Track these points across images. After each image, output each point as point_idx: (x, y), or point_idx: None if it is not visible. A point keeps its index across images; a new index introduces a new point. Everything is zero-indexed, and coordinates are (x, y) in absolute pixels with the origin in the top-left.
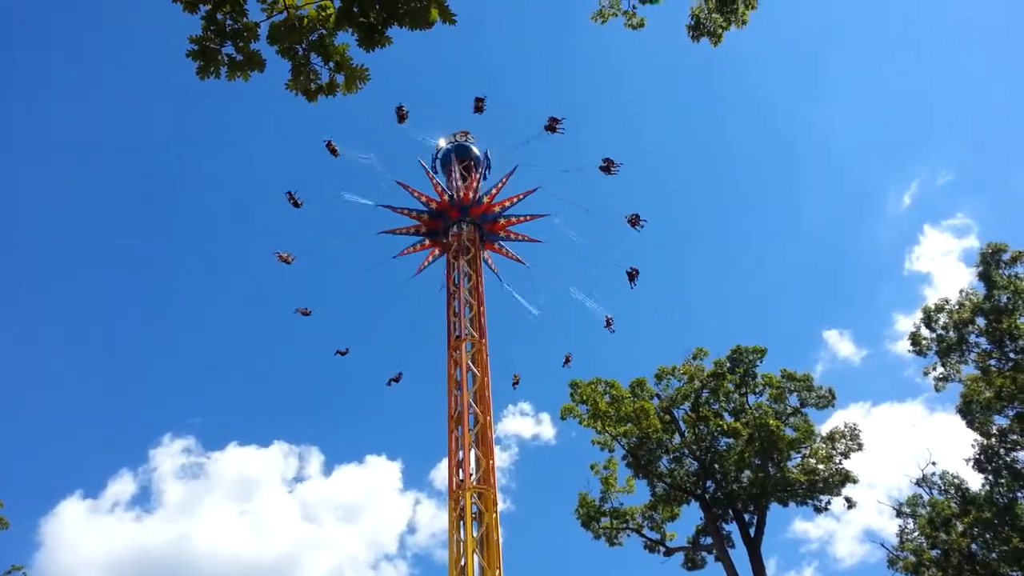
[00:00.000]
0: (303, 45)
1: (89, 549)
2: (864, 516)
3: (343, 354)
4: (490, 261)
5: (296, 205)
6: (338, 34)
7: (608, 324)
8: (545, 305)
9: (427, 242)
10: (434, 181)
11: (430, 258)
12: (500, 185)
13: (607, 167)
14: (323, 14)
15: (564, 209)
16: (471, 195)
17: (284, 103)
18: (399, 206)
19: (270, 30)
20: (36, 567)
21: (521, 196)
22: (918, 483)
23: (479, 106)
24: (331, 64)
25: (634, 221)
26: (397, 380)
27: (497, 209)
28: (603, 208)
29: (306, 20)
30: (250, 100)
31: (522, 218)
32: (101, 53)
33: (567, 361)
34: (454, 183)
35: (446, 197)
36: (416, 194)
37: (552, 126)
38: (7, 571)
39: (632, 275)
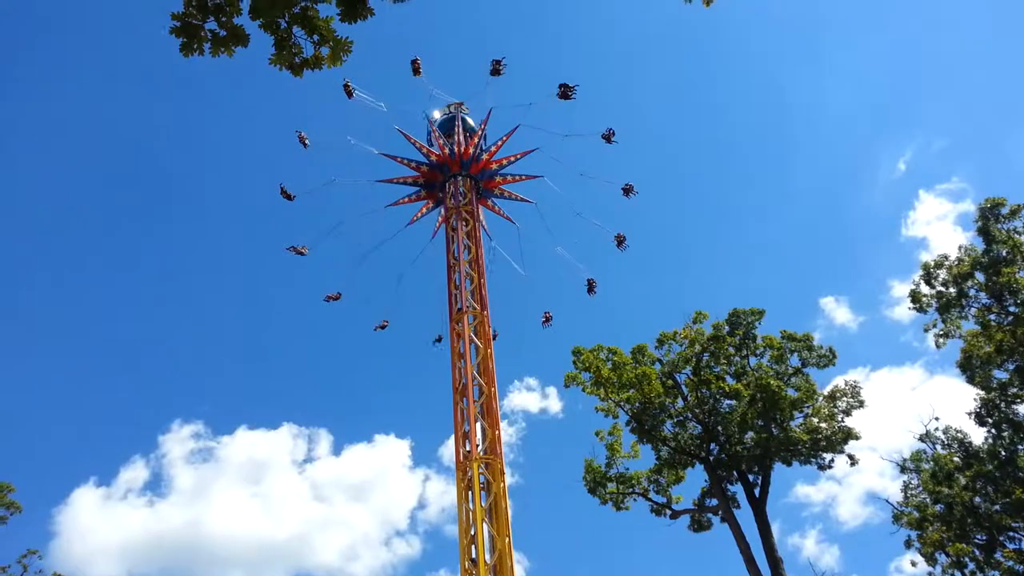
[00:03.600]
0: (285, 18)
1: (104, 536)
2: (865, 479)
3: (335, 299)
4: (482, 218)
5: (288, 198)
6: (320, 6)
7: (590, 288)
8: (538, 270)
9: (422, 193)
10: (436, 134)
11: (423, 210)
12: (500, 143)
13: (608, 136)
14: None
15: (561, 174)
16: (471, 151)
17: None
18: (402, 156)
19: (252, 3)
20: (51, 556)
21: (519, 155)
22: (921, 438)
23: (496, 68)
24: (315, 37)
25: (628, 190)
26: (383, 327)
27: (495, 166)
28: (600, 176)
29: None
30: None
31: (517, 177)
32: (93, 40)
33: (547, 320)
34: (456, 139)
35: (447, 151)
36: (417, 144)
37: (565, 93)
38: (23, 555)
39: (590, 286)
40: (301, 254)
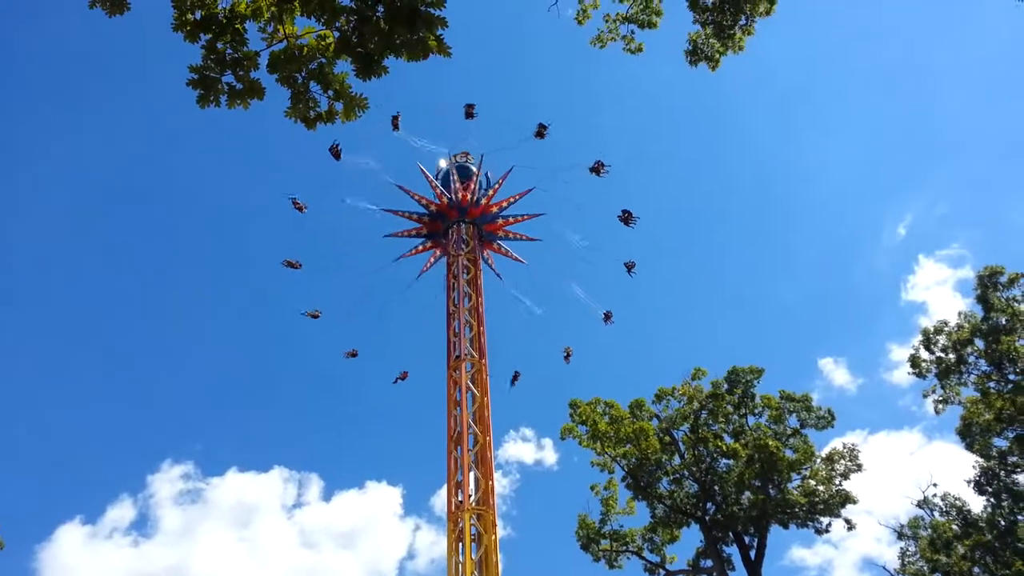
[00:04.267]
0: (303, 73)
1: (86, 575)
2: (862, 544)
3: (353, 355)
4: (491, 261)
5: (300, 210)
6: (337, 63)
7: (607, 319)
8: (544, 311)
9: (428, 243)
10: (433, 184)
11: (432, 260)
12: (497, 186)
13: (597, 169)
14: (322, 43)
15: (560, 211)
16: (468, 196)
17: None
18: (403, 210)
19: (270, 59)
20: None
21: (517, 196)
22: (919, 505)
23: (470, 112)
24: (330, 92)
25: (626, 218)
26: (403, 378)
27: (495, 210)
28: (598, 214)
29: (306, 49)
30: (245, 114)
31: (519, 217)
32: (109, 72)
33: (567, 356)
34: (452, 188)
35: (445, 200)
36: (416, 197)
37: (540, 132)
38: None
39: (626, 218)
40: (295, 267)
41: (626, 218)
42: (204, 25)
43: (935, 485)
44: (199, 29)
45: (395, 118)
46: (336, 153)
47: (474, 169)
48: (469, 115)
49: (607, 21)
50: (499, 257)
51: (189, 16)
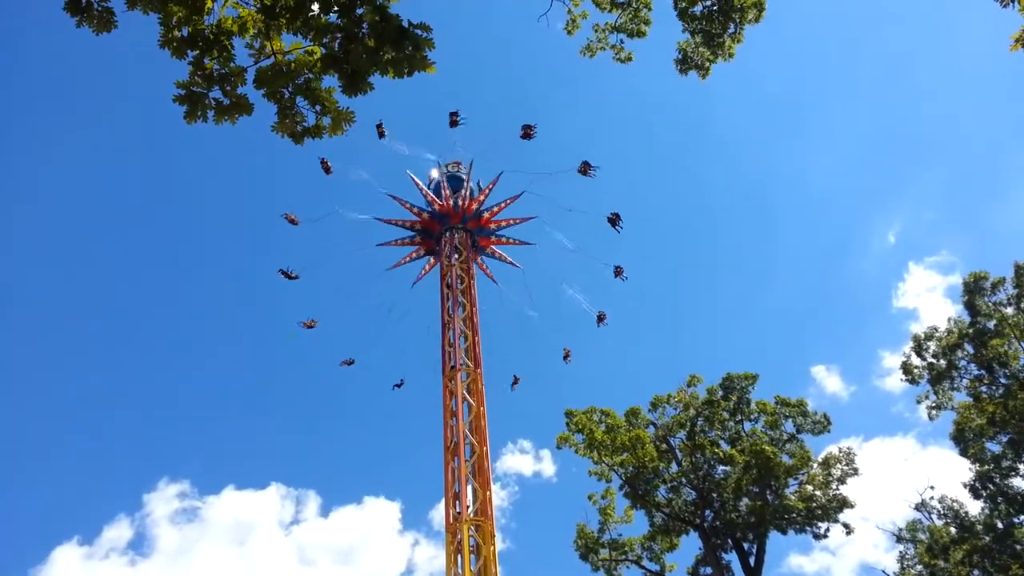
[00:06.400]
0: (289, 88)
1: None
2: (859, 550)
3: (349, 364)
4: (484, 267)
5: (293, 223)
6: (323, 78)
7: (600, 320)
8: (539, 315)
9: (421, 251)
10: (424, 191)
11: (427, 268)
12: (487, 190)
13: (584, 170)
14: (309, 59)
15: (551, 214)
16: (461, 203)
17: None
18: (395, 218)
19: (257, 74)
20: None
21: (509, 202)
22: (917, 508)
23: (454, 120)
24: (317, 107)
25: (614, 220)
26: (400, 385)
27: (487, 216)
28: (588, 216)
29: (293, 65)
30: (234, 127)
31: (512, 220)
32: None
33: (567, 356)
34: (443, 196)
35: (437, 207)
36: (407, 206)
37: (527, 133)
38: None
39: (600, 318)
40: (291, 278)
41: (614, 220)
42: (191, 41)
43: (932, 488)
44: (186, 45)
45: (379, 126)
46: (326, 168)
47: (466, 179)
48: (453, 123)
49: (596, 31)
50: (493, 262)
51: (176, 33)
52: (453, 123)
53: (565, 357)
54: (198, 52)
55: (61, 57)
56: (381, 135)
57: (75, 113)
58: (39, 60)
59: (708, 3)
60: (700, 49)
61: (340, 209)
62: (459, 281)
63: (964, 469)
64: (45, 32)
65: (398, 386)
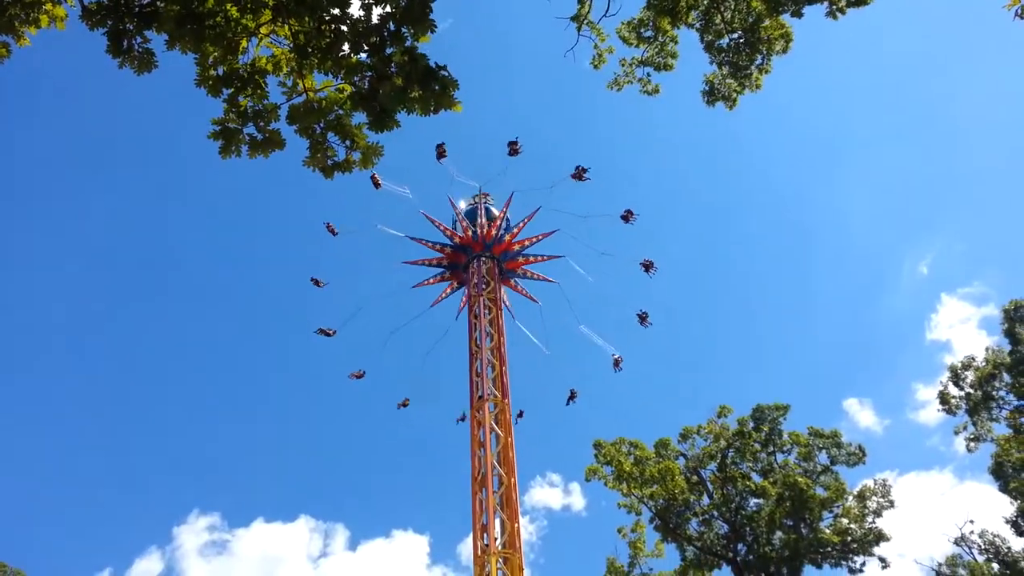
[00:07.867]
0: (321, 124)
1: None
2: None
3: (359, 376)
4: (504, 298)
5: (333, 233)
6: (353, 114)
7: (616, 364)
8: (562, 352)
9: (447, 274)
10: (460, 216)
11: (448, 291)
12: (522, 224)
13: (627, 216)
14: (340, 96)
15: (582, 256)
16: (494, 232)
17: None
18: (428, 239)
19: (290, 111)
20: None
21: (540, 237)
22: (956, 542)
23: (514, 149)
24: (348, 142)
25: (648, 266)
26: (405, 405)
27: (517, 247)
28: (621, 259)
29: (324, 102)
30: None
31: (540, 257)
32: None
33: (572, 397)
34: (479, 223)
35: (470, 233)
36: (441, 227)
37: (579, 174)
38: None
39: (616, 363)
40: (319, 286)
41: (648, 265)
42: (227, 80)
43: (972, 522)
44: (222, 84)
45: (440, 146)
46: (376, 182)
47: (495, 211)
48: (513, 152)
49: (623, 65)
50: (513, 295)
51: (212, 72)
52: (513, 152)
53: (570, 399)
54: (233, 90)
55: (102, 97)
56: (441, 155)
57: (120, 149)
58: (78, 99)
59: (735, 35)
60: (727, 81)
61: (380, 226)
62: (487, 311)
63: (1004, 504)
64: (84, 75)
65: (403, 405)
